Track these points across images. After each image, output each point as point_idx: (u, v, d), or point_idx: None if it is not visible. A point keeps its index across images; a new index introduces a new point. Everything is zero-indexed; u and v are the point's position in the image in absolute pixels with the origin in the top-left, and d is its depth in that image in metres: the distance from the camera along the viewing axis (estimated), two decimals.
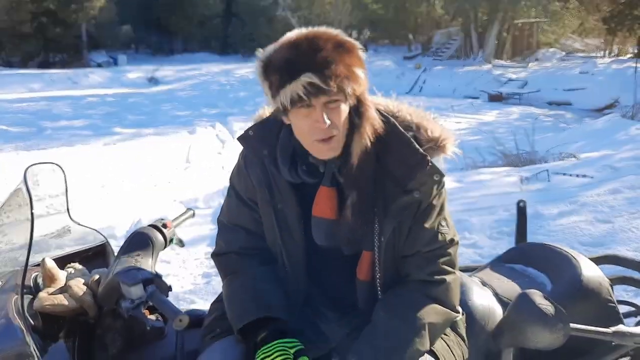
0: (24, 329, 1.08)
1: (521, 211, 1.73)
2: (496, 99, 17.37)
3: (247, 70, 22.18)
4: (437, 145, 1.14)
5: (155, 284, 1.12)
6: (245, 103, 15.79)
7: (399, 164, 1.11)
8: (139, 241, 1.33)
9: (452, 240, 1.18)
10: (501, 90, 18.03)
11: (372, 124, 1.10)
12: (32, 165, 1.26)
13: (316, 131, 1.06)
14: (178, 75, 24.41)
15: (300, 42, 1.04)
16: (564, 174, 5.13)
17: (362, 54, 1.08)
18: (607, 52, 24.87)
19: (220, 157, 8.34)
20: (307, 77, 1.00)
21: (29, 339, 1.06)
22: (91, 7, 28.28)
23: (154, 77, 23.72)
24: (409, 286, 1.15)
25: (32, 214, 1.11)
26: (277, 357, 1.05)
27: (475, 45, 24.77)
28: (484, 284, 1.46)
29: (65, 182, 1.41)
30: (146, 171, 7.26)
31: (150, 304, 1.13)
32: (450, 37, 27.60)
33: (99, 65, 28.48)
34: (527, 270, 1.55)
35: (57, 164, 1.37)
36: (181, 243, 1.51)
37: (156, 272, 1.19)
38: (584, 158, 6.13)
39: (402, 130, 1.13)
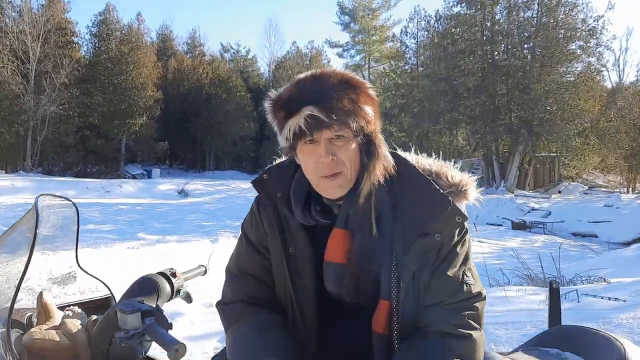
0: None
1: (554, 293, 1.61)
2: (520, 227, 17.20)
3: None
4: (458, 191, 1.11)
5: (155, 316, 1.03)
6: None
7: (418, 205, 1.06)
8: (144, 286, 1.27)
9: (479, 293, 1.09)
10: (524, 218, 17.92)
11: (383, 163, 1.07)
12: (43, 194, 1.21)
13: (320, 167, 1.03)
14: (207, 189, 25.25)
15: (306, 79, 1.06)
16: (594, 296, 4.84)
17: (372, 92, 1.06)
18: (630, 188, 24.91)
19: None
20: (308, 110, 0.99)
21: None
22: (133, 123, 30.52)
23: (184, 190, 24.60)
24: (429, 339, 1.03)
25: (35, 234, 1.08)
26: None
27: (497, 175, 25.22)
28: None
29: (78, 223, 1.36)
30: None
31: (148, 338, 1.03)
32: (472, 166, 28.26)
33: (133, 177, 29.87)
34: (563, 354, 1.39)
35: (70, 200, 1.30)
36: (189, 298, 1.42)
37: (158, 306, 1.11)
38: (615, 282, 5.83)
39: (422, 172, 1.11)
